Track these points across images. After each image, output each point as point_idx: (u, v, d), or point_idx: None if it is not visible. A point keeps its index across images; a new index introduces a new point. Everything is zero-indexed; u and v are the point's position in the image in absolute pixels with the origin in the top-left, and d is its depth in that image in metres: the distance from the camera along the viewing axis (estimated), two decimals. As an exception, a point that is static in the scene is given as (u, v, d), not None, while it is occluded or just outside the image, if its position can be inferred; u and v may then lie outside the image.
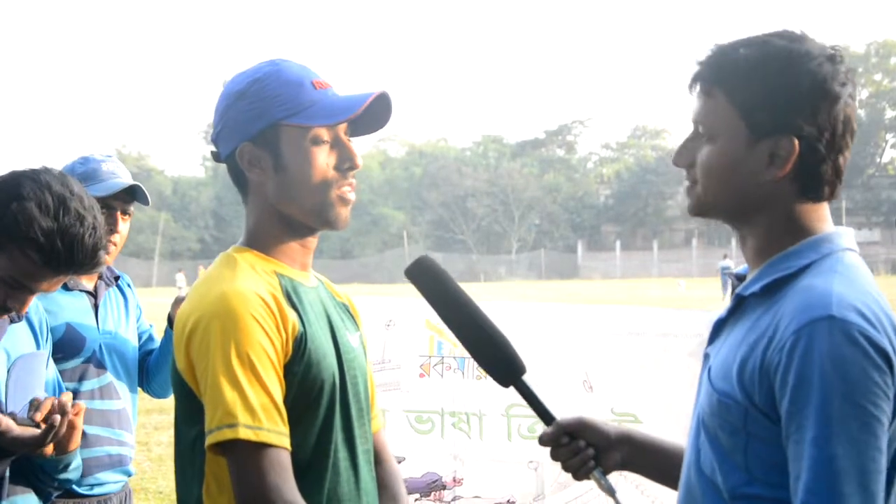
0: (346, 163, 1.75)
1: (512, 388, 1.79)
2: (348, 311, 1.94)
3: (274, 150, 1.73)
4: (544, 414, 1.78)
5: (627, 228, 69.92)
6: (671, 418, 2.81)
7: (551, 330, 3.07)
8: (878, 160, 68.90)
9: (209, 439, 1.57)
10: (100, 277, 2.92)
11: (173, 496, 3.11)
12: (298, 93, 1.73)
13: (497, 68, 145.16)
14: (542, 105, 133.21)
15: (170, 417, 7.97)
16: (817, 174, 1.49)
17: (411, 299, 3.45)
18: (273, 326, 1.64)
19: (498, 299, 23.08)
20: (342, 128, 1.77)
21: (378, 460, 1.93)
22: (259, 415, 1.56)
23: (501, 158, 72.59)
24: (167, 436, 8.42)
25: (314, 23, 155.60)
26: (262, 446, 1.56)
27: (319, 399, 1.70)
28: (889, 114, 67.67)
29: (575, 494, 2.94)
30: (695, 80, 1.54)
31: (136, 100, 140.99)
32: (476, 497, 2.97)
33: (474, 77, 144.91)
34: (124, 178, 2.95)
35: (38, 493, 2.12)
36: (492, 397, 2.96)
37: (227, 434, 1.54)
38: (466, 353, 3.12)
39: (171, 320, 2.84)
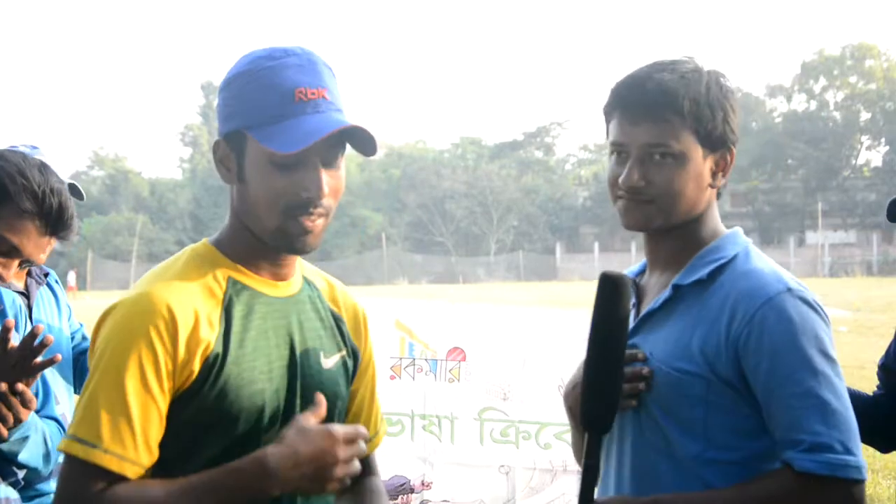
0: (303, 192, 1.53)
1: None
2: (338, 328, 1.73)
3: (239, 156, 1.58)
4: (589, 488, 1.62)
5: (606, 230, 70.10)
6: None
7: (529, 333, 3.04)
8: (853, 162, 69.46)
9: (59, 445, 1.53)
10: (29, 275, 2.81)
11: None
12: (272, 103, 1.52)
13: (475, 70, 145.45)
14: (520, 107, 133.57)
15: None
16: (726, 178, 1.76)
17: (381, 299, 3.42)
18: (169, 347, 1.48)
19: (477, 301, 23.08)
20: (317, 150, 1.52)
21: (362, 474, 1.73)
22: (103, 434, 1.45)
23: (480, 160, 72.57)
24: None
25: (293, 25, 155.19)
26: (89, 465, 1.46)
27: (234, 429, 1.53)
28: (864, 116, 68.25)
29: (546, 499, 2.90)
30: (644, 108, 1.67)
31: (113, 101, 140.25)
32: (445, 501, 2.93)
33: (452, 79, 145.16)
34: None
35: (2, 477, 2.07)
36: (465, 400, 2.91)
37: (62, 444, 1.50)
38: (439, 355, 3.13)
39: None
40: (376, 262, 61.77)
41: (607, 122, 1.77)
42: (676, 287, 1.71)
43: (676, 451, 1.65)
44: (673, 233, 1.73)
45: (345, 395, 1.71)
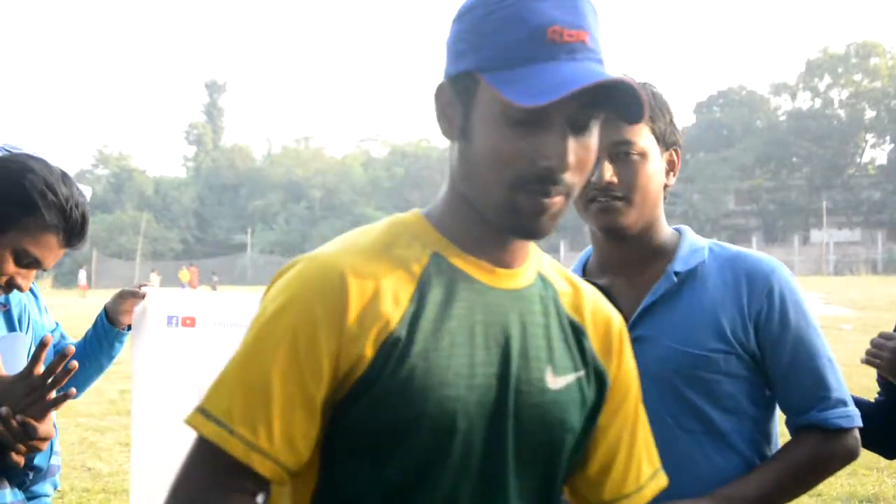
0: (541, 160, 1.16)
1: None
2: (578, 341, 1.32)
3: (466, 106, 1.21)
4: None
5: (610, 228, 69.84)
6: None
7: None
8: (858, 160, 69.38)
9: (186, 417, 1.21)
10: None
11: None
12: (517, 41, 1.15)
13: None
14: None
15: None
16: None
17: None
18: (335, 320, 1.16)
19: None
20: (566, 107, 1.15)
21: None
22: (233, 411, 1.15)
23: (484, 158, 72.48)
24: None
25: (298, 23, 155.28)
26: (212, 446, 1.16)
27: (414, 442, 1.17)
28: (869, 114, 68.18)
29: None
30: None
31: (117, 100, 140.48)
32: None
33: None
34: None
35: (9, 481, 2.07)
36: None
37: (189, 418, 1.19)
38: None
39: (107, 312, 2.66)
40: (380, 261, 61.62)
41: None
42: (676, 274, 1.79)
43: (717, 429, 1.75)
44: (637, 234, 1.80)
45: (576, 427, 1.29)
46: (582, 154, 1.19)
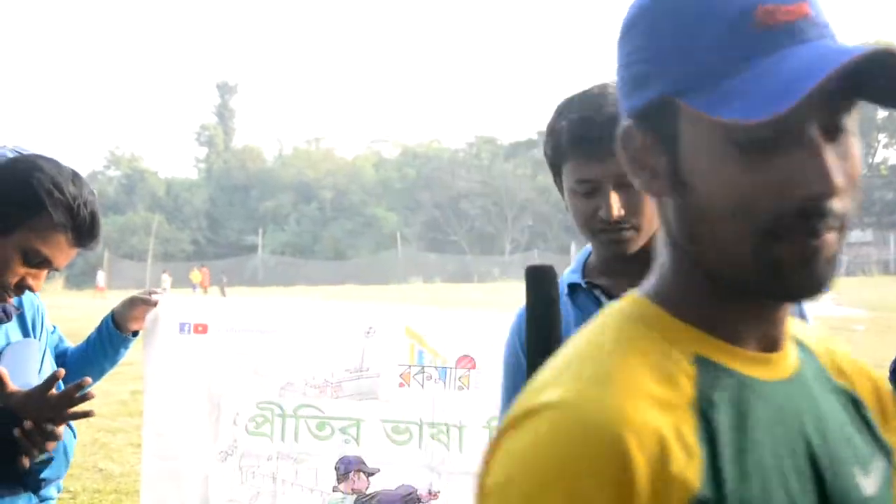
0: (797, 189, 0.82)
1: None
2: (861, 417, 0.98)
3: (669, 145, 0.89)
4: None
5: (621, 229, 69.79)
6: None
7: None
8: (870, 160, 69.05)
9: None
10: None
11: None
12: (716, 39, 0.83)
13: (490, 69, 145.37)
14: (535, 106, 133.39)
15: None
16: None
17: (392, 305, 3.41)
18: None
19: (489, 306, 23.02)
20: (811, 109, 0.81)
21: None
22: None
23: (495, 159, 72.57)
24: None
25: (308, 23, 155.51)
26: None
27: None
28: (881, 114, 67.75)
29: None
30: (607, 144, 1.65)
31: (129, 101, 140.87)
32: (452, 510, 2.87)
33: (467, 78, 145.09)
34: None
35: (24, 488, 2.09)
36: (473, 408, 2.89)
37: None
38: (448, 363, 3.12)
39: (114, 317, 2.63)
40: (391, 262, 61.77)
41: (557, 164, 1.77)
42: None
43: None
44: (642, 246, 1.76)
45: None
46: (848, 167, 0.85)
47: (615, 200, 1.69)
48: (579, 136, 1.70)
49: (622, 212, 1.69)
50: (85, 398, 1.86)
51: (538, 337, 1.60)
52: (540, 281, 1.60)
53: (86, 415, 1.89)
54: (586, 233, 1.76)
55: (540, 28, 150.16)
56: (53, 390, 1.87)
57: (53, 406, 1.86)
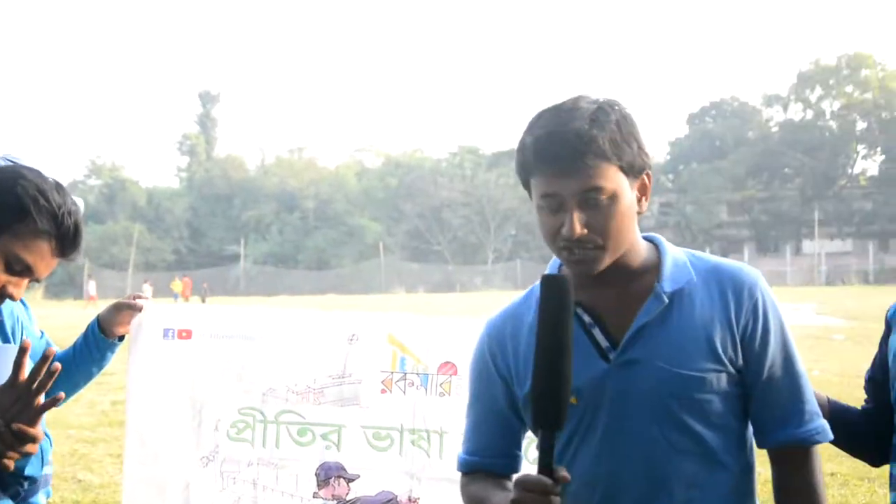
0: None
1: None
2: None
3: None
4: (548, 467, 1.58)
5: (603, 239, 69.84)
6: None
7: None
8: (849, 171, 69.59)
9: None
10: None
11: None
12: None
13: (473, 79, 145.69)
14: (517, 116, 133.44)
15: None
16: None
17: (375, 313, 3.40)
18: None
19: (473, 313, 22.94)
20: None
21: None
22: None
23: (477, 169, 72.63)
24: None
25: (291, 33, 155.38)
26: None
27: None
28: (860, 125, 68.37)
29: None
30: (569, 160, 1.66)
31: (110, 110, 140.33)
32: (432, 517, 2.87)
33: (450, 88, 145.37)
34: None
35: (4, 491, 2.08)
36: (455, 415, 2.89)
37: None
38: (430, 370, 3.12)
39: (100, 322, 2.63)
40: (373, 271, 61.73)
41: (526, 178, 1.77)
42: (662, 296, 1.75)
43: (708, 447, 1.75)
44: (613, 263, 1.74)
45: None
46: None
47: (578, 218, 1.67)
48: (544, 152, 1.68)
49: (584, 231, 1.67)
50: (53, 373, 1.78)
51: (551, 344, 1.55)
52: (556, 290, 1.56)
53: (55, 402, 1.82)
54: (553, 249, 1.75)
55: (522, 38, 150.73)
56: (24, 372, 1.78)
57: (24, 392, 1.78)
